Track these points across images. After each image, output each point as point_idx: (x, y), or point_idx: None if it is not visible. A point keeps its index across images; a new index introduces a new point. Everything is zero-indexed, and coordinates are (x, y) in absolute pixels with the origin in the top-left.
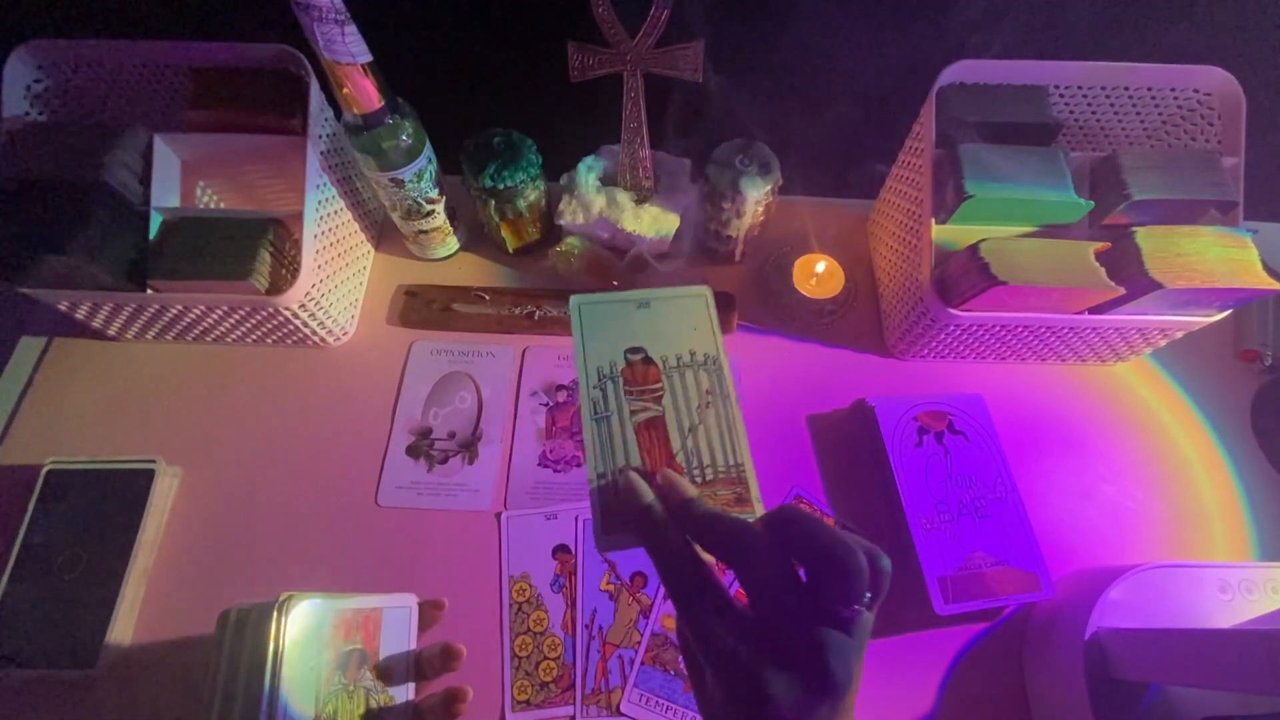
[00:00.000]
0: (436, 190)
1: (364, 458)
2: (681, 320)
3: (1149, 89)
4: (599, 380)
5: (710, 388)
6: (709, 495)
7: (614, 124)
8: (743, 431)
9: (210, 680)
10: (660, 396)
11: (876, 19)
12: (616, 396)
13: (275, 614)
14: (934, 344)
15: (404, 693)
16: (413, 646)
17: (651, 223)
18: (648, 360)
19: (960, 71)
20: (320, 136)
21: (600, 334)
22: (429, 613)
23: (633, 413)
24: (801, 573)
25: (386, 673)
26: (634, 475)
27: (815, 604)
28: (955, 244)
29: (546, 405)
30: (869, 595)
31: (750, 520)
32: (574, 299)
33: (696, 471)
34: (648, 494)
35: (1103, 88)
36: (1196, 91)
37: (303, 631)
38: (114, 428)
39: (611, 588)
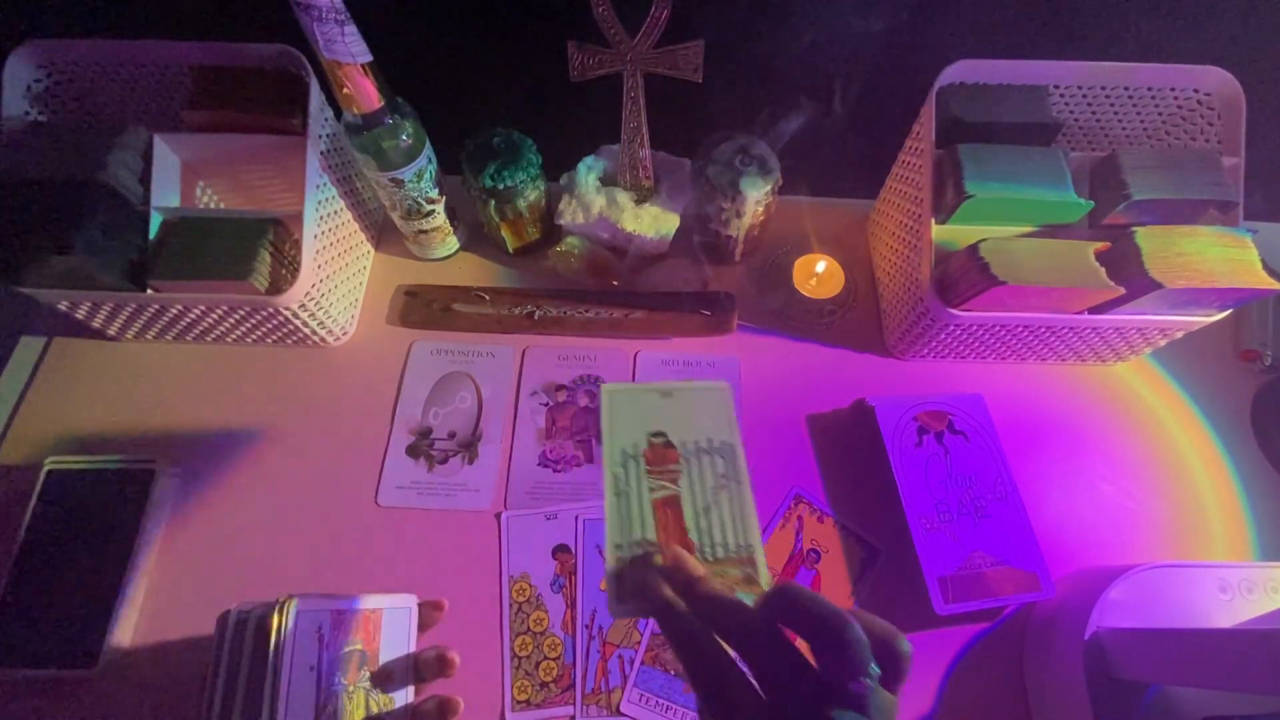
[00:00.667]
0: (436, 190)
1: (364, 458)
2: (702, 410)
3: (1149, 89)
4: (622, 459)
5: (725, 473)
6: (718, 573)
7: (614, 124)
8: (754, 515)
9: (211, 681)
10: (678, 477)
11: (876, 18)
12: (637, 474)
13: (276, 615)
14: (934, 344)
15: (404, 695)
16: (412, 647)
17: (651, 223)
18: (668, 444)
19: (960, 71)
20: (320, 136)
21: (627, 418)
22: (429, 613)
23: (651, 490)
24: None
25: (386, 674)
26: (656, 574)
27: (822, 682)
28: (955, 244)
29: (546, 405)
30: (877, 670)
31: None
32: (605, 388)
33: (708, 549)
34: (667, 589)
35: (1103, 88)
36: (1196, 91)
37: (303, 632)
38: (114, 428)
39: None
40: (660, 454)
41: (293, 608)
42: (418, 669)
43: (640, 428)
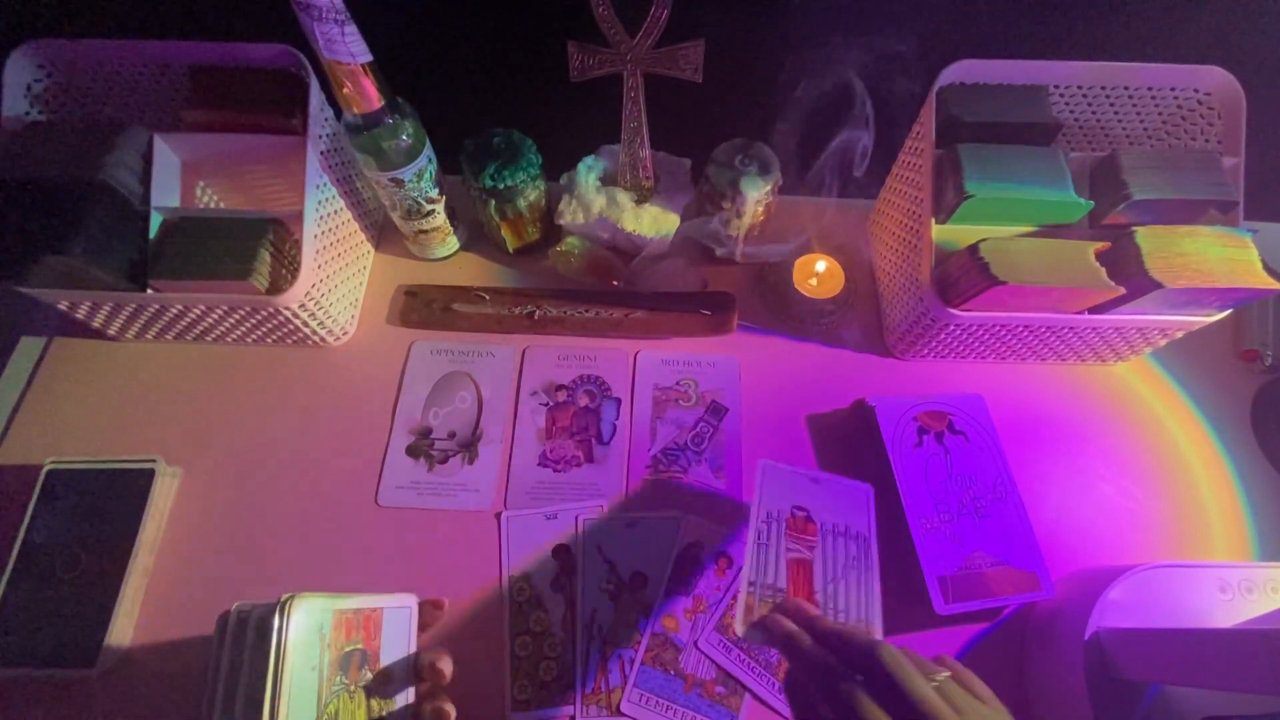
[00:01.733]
0: (436, 190)
1: (364, 458)
2: (844, 500)
3: (1149, 89)
4: (767, 519)
5: (857, 556)
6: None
7: (614, 124)
8: (878, 599)
9: (211, 681)
10: (814, 547)
11: (876, 18)
12: (778, 534)
13: (277, 614)
14: (934, 344)
15: (404, 695)
16: (413, 647)
17: (651, 223)
18: (809, 519)
19: (960, 71)
20: (320, 136)
21: (776, 490)
22: (429, 612)
23: (788, 549)
24: None
25: (387, 674)
26: (777, 612)
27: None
28: (955, 244)
29: (546, 405)
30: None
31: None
32: (762, 462)
33: (830, 612)
34: (794, 625)
35: (1103, 88)
36: (1196, 91)
37: (304, 632)
38: (114, 428)
39: (611, 587)
40: (800, 525)
41: (294, 607)
42: (418, 669)
43: (787, 500)
